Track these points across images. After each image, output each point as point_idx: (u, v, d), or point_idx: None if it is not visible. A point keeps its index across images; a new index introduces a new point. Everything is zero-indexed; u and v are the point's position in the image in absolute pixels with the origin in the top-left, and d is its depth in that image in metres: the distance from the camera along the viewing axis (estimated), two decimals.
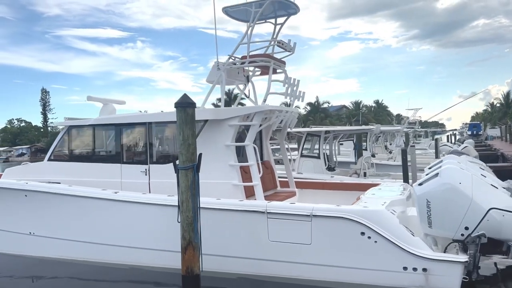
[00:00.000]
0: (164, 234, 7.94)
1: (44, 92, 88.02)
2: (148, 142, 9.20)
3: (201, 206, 7.23)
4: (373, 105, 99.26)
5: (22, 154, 73.10)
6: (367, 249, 6.73)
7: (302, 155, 14.99)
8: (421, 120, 45.59)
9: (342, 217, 6.85)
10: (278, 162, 15.92)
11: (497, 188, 6.37)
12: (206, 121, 8.60)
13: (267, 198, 8.95)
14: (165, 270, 7.90)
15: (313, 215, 7.02)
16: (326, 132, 15.04)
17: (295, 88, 9.28)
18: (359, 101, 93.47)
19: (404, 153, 11.04)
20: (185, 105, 6.58)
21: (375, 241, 6.67)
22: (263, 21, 9.70)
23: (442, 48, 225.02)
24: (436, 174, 6.51)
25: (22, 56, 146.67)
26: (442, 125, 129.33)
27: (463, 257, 6.20)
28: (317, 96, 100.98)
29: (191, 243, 6.53)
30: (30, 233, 9.64)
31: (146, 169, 9.17)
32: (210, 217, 7.51)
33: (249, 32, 8.79)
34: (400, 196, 8.13)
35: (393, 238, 6.56)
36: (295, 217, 7.15)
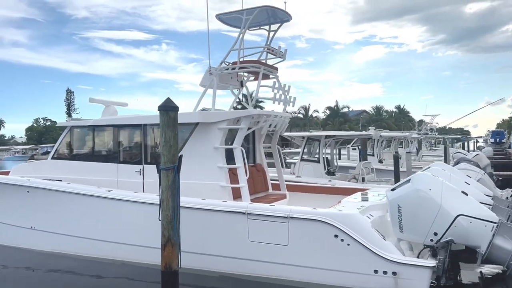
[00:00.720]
0: (151, 231, 8.27)
1: (69, 92, 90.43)
2: (143, 143, 9.58)
3: (186, 206, 7.63)
4: (395, 110, 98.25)
5: (46, 153, 75.01)
6: (340, 252, 6.92)
7: (302, 159, 15.19)
8: (437, 127, 45.00)
9: (317, 220, 7.06)
10: (287, 166, 16.17)
11: (467, 195, 6.48)
12: (197, 124, 8.92)
13: (257, 200, 9.23)
14: (153, 266, 8.23)
15: (290, 217, 7.26)
16: (327, 136, 15.21)
17: (286, 94, 9.55)
18: (379, 106, 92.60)
19: (395, 159, 11.13)
20: (167, 108, 6.91)
21: (348, 244, 6.86)
22: (258, 27, 10.00)
23: (470, 53, 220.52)
24: (408, 180, 6.67)
25: (51, 57, 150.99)
26: (467, 132, 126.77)
27: (431, 262, 6.33)
28: (336, 101, 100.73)
29: (170, 240, 6.83)
30: (31, 227, 10.15)
31: (140, 169, 9.55)
32: (194, 216, 7.84)
33: (240, 38, 9.07)
34: (381, 201, 8.27)
35: (364, 241, 6.74)
36: (273, 219, 7.40)
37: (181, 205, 7.98)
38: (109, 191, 9.01)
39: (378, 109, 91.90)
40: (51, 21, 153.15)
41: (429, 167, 9.20)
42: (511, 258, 6.10)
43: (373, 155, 19.50)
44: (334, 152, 16.12)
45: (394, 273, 6.55)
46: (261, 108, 11.34)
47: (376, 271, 6.67)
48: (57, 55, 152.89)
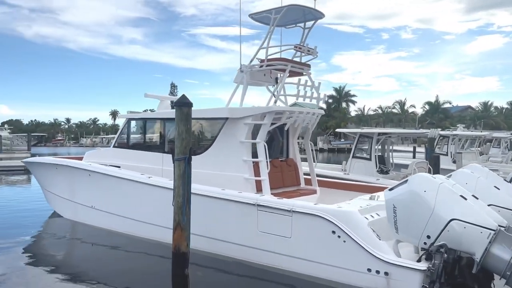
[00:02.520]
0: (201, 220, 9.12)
1: (173, 86, 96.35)
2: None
3: (204, 194, 8.34)
4: (506, 107, 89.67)
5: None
6: (336, 248, 7.04)
7: (354, 156, 14.97)
8: None
9: (316, 215, 7.24)
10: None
11: (465, 199, 6.21)
12: (226, 119, 9.47)
13: (286, 194, 9.54)
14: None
15: (293, 211, 7.52)
16: (379, 134, 14.80)
17: (317, 91, 9.72)
18: (487, 101, 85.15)
19: (435, 159, 10.57)
20: (181, 104, 7.54)
21: (344, 241, 6.95)
22: (293, 25, 10.27)
23: None
24: (406, 181, 6.56)
25: (162, 53, 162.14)
26: None
27: (423, 266, 6.21)
28: (437, 95, 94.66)
29: (180, 224, 7.48)
30: (91, 206, 11.56)
31: None
32: (211, 204, 8.48)
33: (268, 36, 9.41)
34: None
35: (359, 239, 6.79)
36: (279, 211, 7.71)
37: (200, 193, 8.72)
38: (149, 177, 9.98)
39: (485, 105, 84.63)
40: (163, 19, 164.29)
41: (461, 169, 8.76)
42: (508, 268, 5.77)
43: (447, 154, 18.51)
44: (390, 149, 15.57)
45: (386, 273, 6.54)
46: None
47: (369, 270, 6.69)
48: (167, 51, 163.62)
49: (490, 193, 7.74)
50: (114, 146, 12.25)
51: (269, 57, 9.46)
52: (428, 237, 6.21)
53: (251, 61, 9.69)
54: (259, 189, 9.09)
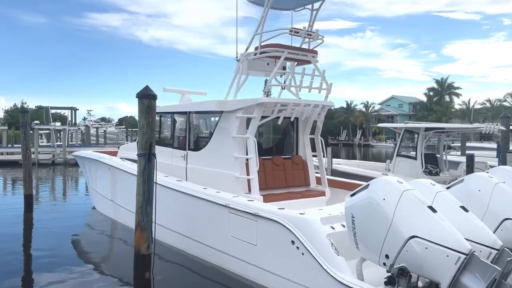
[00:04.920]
0: (176, 217, 8.82)
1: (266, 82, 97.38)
2: (187, 130, 9.90)
3: (182, 190, 8.04)
4: None
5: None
6: (296, 260, 6.05)
7: (398, 154, 13.21)
8: None
9: (277, 222, 6.30)
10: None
11: (435, 211, 4.85)
12: (221, 112, 8.80)
13: (289, 195, 8.65)
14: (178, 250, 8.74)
15: (258, 215, 6.65)
16: (427, 129, 12.82)
17: (323, 80, 8.64)
18: None
19: (468, 158, 8.69)
20: (142, 96, 7.08)
21: (302, 253, 5.94)
22: (302, 7, 9.31)
23: None
24: (367, 185, 5.35)
25: None
26: None
27: None
28: None
29: (140, 225, 7.06)
30: (111, 200, 11.68)
31: (185, 155, 9.92)
32: (189, 202, 8.01)
33: (263, 20, 8.54)
34: None
35: (316, 253, 5.73)
36: (246, 215, 6.90)
37: (178, 189, 8.26)
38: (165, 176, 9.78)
39: None
40: (268, 17, 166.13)
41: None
42: None
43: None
44: (444, 147, 13.45)
45: None
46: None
47: None
48: None
49: (509, 203, 6.13)
50: (134, 140, 12.29)
51: (263, 43, 8.57)
52: (387, 256, 4.98)
53: (246, 49, 8.89)
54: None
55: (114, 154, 13.05)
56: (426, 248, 4.65)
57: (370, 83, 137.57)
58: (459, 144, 22.00)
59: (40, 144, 39.74)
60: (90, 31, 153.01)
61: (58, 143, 35.35)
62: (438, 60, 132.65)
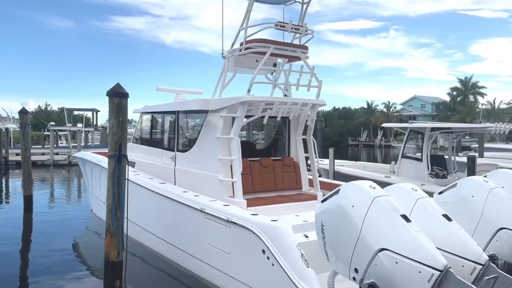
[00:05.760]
0: (156, 220, 8.48)
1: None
2: (176, 130, 9.52)
3: (162, 193, 7.92)
4: None
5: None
6: (266, 272, 5.55)
7: (403, 156, 12.49)
8: None
9: (249, 229, 5.82)
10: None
11: (408, 221, 4.29)
12: (207, 112, 8.39)
13: (278, 199, 8.18)
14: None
15: (231, 222, 6.19)
16: (433, 129, 12.06)
17: (313, 77, 8.11)
18: None
19: (469, 160, 7.95)
20: (112, 94, 6.71)
21: (272, 264, 5.44)
22: (292, 1, 8.79)
23: None
24: (337, 190, 4.82)
25: None
26: None
27: None
28: None
29: (109, 230, 6.68)
30: (104, 202, 11.40)
31: (173, 156, 9.54)
32: (168, 205, 7.71)
33: (247, 15, 8.07)
34: None
35: (285, 264, 5.23)
36: (220, 221, 6.44)
37: (159, 192, 7.92)
38: (136, 174, 9.43)
39: None
40: (288, 18, 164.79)
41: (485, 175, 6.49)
42: None
43: None
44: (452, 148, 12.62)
45: None
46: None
47: None
48: None
49: (505, 211, 5.51)
50: (132, 141, 11.97)
51: (248, 39, 8.10)
52: (356, 270, 4.44)
53: (232, 45, 8.42)
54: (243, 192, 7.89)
55: None
56: (396, 262, 4.11)
57: (393, 83, 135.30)
58: (491, 145, 20.98)
59: (60, 145, 40.35)
60: (115, 34, 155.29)
61: (74, 144, 35.66)
62: (464, 59, 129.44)
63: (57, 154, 32.56)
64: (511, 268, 5.74)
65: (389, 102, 77.53)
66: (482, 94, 70.99)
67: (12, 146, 35.40)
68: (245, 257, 5.99)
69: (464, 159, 13.67)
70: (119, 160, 6.63)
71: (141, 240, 9.06)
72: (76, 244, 10.02)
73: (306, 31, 8.19)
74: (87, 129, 44.32)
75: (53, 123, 39.94)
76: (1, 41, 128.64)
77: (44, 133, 43.77)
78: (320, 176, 10.09)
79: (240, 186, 7.60)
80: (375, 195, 4.45)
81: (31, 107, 79.47)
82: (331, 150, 13.47)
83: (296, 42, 8.45)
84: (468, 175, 9.24)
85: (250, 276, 5.92)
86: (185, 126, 9.63)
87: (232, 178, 7.65)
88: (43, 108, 78.89)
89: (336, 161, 14.71)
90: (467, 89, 70.32)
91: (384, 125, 15.30)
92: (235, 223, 6.11)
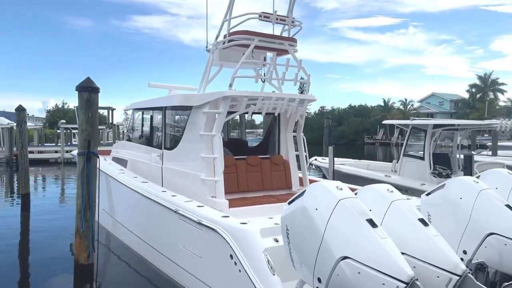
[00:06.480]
0: (136, 220, 8.22)
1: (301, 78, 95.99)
2: (163, 127, 9.18)
3: (137, 190, 7.69)
4: None
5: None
6: (235, 279, 5.16)
7: (405, 154, 11.89)
8: None
9: (217, 232, 5.44)
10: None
11: (375, 226, 3.84)
12: (191, 107, 8.04)
13: (264, 199, 7.80)
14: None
15: (201, 224, 5.81)
16: (435, 126, 11.43)
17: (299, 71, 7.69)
18: None
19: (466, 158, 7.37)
20: (81, 89, 6.40)
21: (239, 270, 5.05)
22: None
23: None
24: (303, 192, 4.40)
25: (303, 49, 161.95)
26: None
27: None
28: None
29: (78, 231, 6.39)
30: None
31: (161, 154, 9.22)
32: (146, 205, 7.49)
33: (231, 5, 7.67)
34: None
35: (250, 270, 4.83)
36: (192, 223, 6.07)
37: (135, 189, 7.67)
38: (121, 172, 9.19)
39: None
40: (305, 15, 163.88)
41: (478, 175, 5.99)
42: None
43: None
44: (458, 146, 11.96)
45: None
46: None
47: None
48: (309, 47, 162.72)
49: (495, 214, 5.00)
50: (125, 139, 11.74)
51: (231, 31, 7.70)
52: (319, 280, 4.03)
53: (216, 37, 8.04)
54: (230, 191, 7.55)
55: (108, 152, 12.58)
56: (359, 272, 3.68)
57: (412, 80, 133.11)
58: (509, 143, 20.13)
59: (74, 142, 40.62)
60: (134, 33, 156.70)
61: None
62: (485, 56, 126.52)
63: (67, 152, 32.70)
64: (505, 277, 5.23)
65: (405, 100, 76.16)
66: (502, 91, 69.13)
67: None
68: (215, 262, 5.62)
69: (479, 158, 13.07)
70: (88, 159, 6.31)
71: (124, 240, 8.84)
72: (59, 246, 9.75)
73: (293, 22, 7.75)
74: (101, 127, 44.46)
75: (63, 121, 40.19)
76: (26, 41, 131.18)
77: (58, 131, 44.18)
78: (324, 177, 9.67)
79: (221, 186, 7.23)
80: (340, 197, 4.01)
81: (51, 105, 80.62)
82: (330, 148, 12.94)
83: (286, 35, 8.03)
84: (465, 175, 8.69)
85: (220, 283, 5.54)
86: (171, 122, 9.28)
87: (214, 177, 7.29)
88: (60, 106, 79.76)
89: (338, 159, 14.22)
90: (486, 86, 68.51)
91: (385, 122, 14.71)
92: (205, 225, 5.74)
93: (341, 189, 4.14)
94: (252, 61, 7.64)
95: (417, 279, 3.53)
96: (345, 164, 13.55)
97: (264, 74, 8.55)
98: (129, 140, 11.30)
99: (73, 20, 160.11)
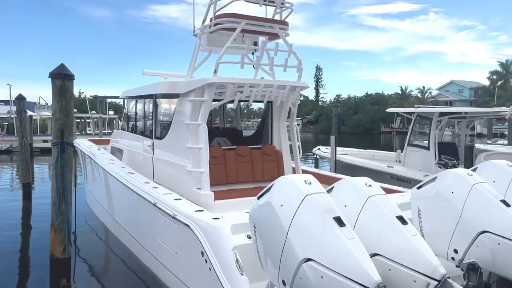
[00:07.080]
0: (121, 212, 8.02)
1: (318, 69, 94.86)
2: (154, 116, 8.87)
3: (121, 181, 7.52)
4: None
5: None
6: (205, 277, 4.85)
7: (409, 144, 11.35)
8: None
9: (189, 227, 5.13)
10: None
11: (342, 225, 3.46)
12: (178, 95, 7.70)
13: (249, 191, 7.45)
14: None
15: (176, 218, 5.50)
16: (441, 114, 10.84)
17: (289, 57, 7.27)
18: None
19: (466, 149, 6.81)
20: (54, 76, 6.11)
21: (209, 268, 4.72)
22: None
23: None
24: (271, 186, 4.03)
25: (320, 36, 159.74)
26: None
27: None
28: None
29: (53, 224, 6.15)
30: (91, 191, 11.05)
31: (151, 144, 8.92)
32: (130, 196, 7.24)
33: None
34: None
35: (218, 269, 4.51)
36: (168, 217, 5.77)
37: (119, 179, 7.47)
38: (111, 162, 8.99)
39: None
40: (323, 2, 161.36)
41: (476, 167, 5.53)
42: None
43: None
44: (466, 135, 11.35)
45: None
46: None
47: None
48: (326, 34, 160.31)
49: (488, 211, 4.55)
50: (121, 128, 11.52)
51: (218, 13, 7.30)
52: (284, 283, 3.68)
53: (203, 21, 7.65)
54: (215, 183, 7.22)
55: (107, 142, 12.40)
56: (322, 277, 3.32)
57: (433, 68, 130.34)
58: None
59: (88, 132, 40.99)
60: (151, 22, 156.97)
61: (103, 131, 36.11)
62: (509, 41, 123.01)
63: None
64: (500, 280, 4.79)
65: (423, 87, 74.55)
66: None
67: (38, 133, 36.15)
68: (189, 259, 5.32)
69: (488, 147, 12.48)
70: (62, 149, 6.03)
71: (113, 231, 8.71)
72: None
73: (282, 3, 7.30)
74: (112, 116, 44.74)
75: (75, 110, 40.43)
76: (52, 32, 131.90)
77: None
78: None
79: (207, 177, 6.89)
80: (307, 193, 3.63)
81: None
82: (332, 138, 12.49)
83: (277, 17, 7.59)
84: (466, 166, 8.18)
85: (193, 281, 5.25)
86: (161, 111, 8.96)
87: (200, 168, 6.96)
88: (76, 96, 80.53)
89: (343, 149, 13.75)
90: (508, 72, 66.55)
91: (388, 110, 14.15)
92: (178, 220, 5.43)
93: (310, 183, 3.76)
94: (238, 46, 7.24)
95: (384, 286, 3.15)
96: (348, 154, 13.07)
97: (256, 60, 8.14)
98: (124, 129, 11.05)
99: (89, 9, 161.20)
